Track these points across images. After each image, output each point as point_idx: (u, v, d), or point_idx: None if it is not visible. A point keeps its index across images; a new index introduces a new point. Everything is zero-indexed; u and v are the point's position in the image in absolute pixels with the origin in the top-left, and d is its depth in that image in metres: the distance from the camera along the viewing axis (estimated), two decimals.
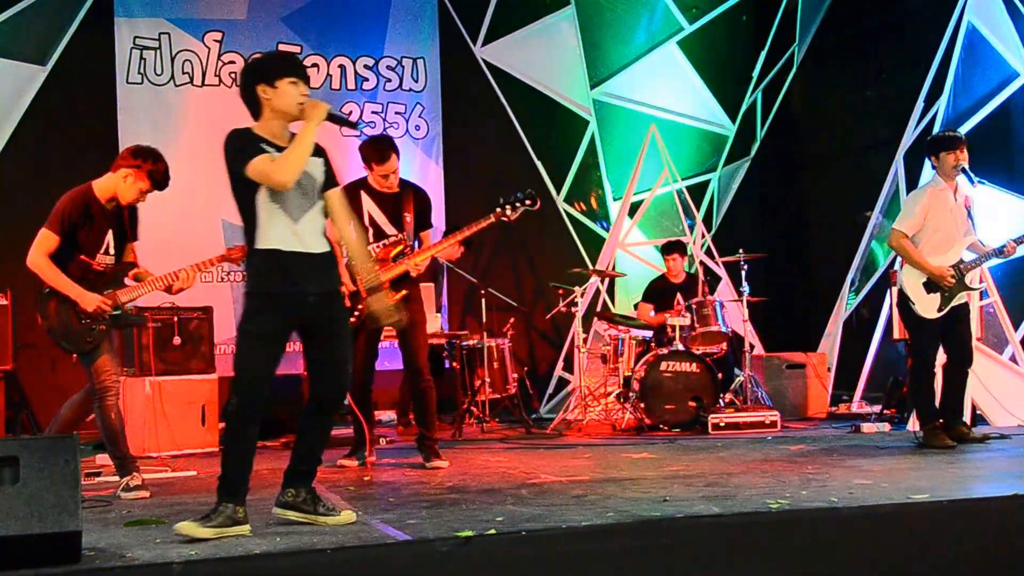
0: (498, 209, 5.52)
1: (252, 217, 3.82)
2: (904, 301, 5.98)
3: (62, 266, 4.90)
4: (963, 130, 7.75)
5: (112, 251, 5.03)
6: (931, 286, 5.90)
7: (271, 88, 3.86)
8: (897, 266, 6.15)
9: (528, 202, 5.52)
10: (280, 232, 3.81)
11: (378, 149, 5.68)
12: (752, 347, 7.97)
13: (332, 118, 3.96)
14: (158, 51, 8.47)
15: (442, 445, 6.01)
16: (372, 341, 5.80)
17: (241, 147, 3.80)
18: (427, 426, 5.75)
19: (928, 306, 5.89)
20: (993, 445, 5.91)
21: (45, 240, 4.88)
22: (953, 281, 5.87)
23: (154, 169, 5.04)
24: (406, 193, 5.73)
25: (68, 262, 4.93)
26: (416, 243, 5.76)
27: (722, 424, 7.11)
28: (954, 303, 5.90)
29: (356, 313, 5.55)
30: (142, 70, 8.41)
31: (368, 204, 5.68)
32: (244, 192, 3.82)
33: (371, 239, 5.59)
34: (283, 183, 3.76)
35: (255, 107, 3.91)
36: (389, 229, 5.67)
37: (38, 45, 8.15)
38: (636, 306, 8.56)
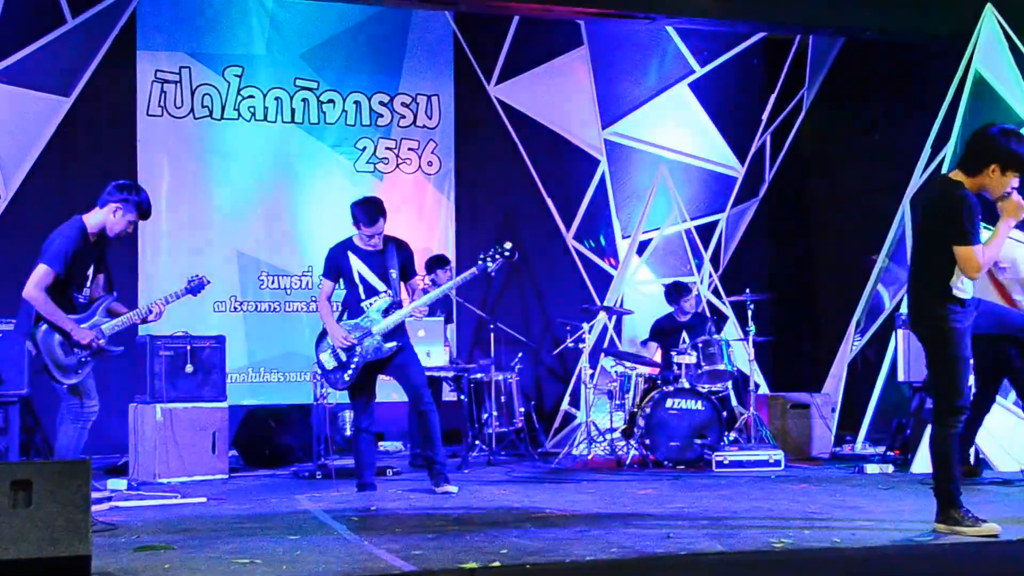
0: (479, 263, 6.01)
1: (948, 268, 4.22)
2: None
3: (52, 298, 5.09)
4: None
5: (89, 283, 5.29)
6: None
7: (999, 173, 4.18)
8: None
9: (507, 255, 6.03)
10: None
11: (368, 213, 6.00)
12: (757, 386, 8.01)
13: None
14: (178, 84, 8.61)
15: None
16: (372, 383, 6.09)
17: (975, 224, 4.16)
18: (434, 449, 5.92)
19: None
20: (997, 489, 5.93)
21: (45, 276, 5.08)
22: None
23: (140, 200, 5.35)
24: (388, 248, 6.07)
25: (57, 295, 5.13)
26: (408, 292, 6.11)
27: (726, 462, 7.13)
28: None
29: (356, 360, 5.92)
30: (162, 103, 8.55)
31: (357, 263, 6.03)
32: (946, 247, 4.20)
33: (363, 296, 5.99)
34: (975, 277, 4.22)
35: (975, 169, 4.22)
36: (379, 285, 6.00)
37: (62, 77, 8.31)
38: (643, 344, 8.61)
